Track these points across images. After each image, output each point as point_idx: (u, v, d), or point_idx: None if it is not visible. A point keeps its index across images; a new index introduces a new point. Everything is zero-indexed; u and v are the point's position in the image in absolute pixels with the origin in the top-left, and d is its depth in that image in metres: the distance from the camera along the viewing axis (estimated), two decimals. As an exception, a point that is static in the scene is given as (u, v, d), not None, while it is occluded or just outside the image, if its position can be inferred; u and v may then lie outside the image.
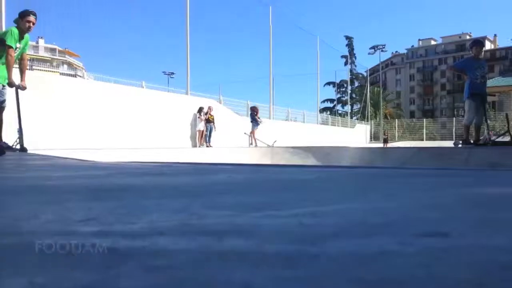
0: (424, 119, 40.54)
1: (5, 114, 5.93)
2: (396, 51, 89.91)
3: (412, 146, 20.69)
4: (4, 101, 5.80)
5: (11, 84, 5.75)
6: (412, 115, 75.19)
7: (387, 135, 30.03)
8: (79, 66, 47.30)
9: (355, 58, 60.89)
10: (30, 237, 0.55)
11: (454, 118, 37.14)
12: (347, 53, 56.02)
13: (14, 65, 5.80)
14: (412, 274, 0.39)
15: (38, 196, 1.02)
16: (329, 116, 35.41)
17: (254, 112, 15.42)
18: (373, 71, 61.88)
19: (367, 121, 37.61)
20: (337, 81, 48.72)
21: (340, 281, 0.37)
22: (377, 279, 0.37)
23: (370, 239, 0.53)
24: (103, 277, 0.38)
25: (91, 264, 0.43)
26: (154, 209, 0.80)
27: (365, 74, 49.57)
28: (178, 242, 0.52)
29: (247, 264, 0.42)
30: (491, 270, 0.40)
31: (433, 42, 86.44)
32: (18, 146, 6.05)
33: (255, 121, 15.28)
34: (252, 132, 15.13)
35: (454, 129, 34.16)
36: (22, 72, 5.99)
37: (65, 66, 49.57)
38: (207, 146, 13.91)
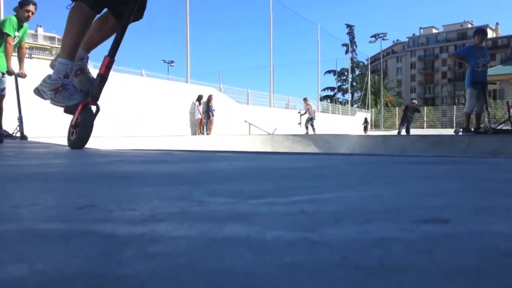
0: (425, 107, 40.48)
1: (5, 102, 5.92)
2: (397, 40, 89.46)
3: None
4: (4, 89, 5.79)
5: (10, 72, 5.73)
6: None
7: (367, 122, 29.91)
8: (78, 54, 46.88)
9: (356, 46, 60.72)
10: (30, 224, 0.55)
11: (454, 106, 37.12)
12: (348, 42, 55.68)
13: (13, 54, 5.78)
14: (413, 260, 0.39)
15: (38, 183, 1.02)
16: (330, 104, 35.34)
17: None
18: (374, 59, 61.64)
19: (368, 109, 37.53)
20: (338, 69, 48.60)
21: (340, 267, 0.37)
22: (377, 266, 0.37)
23: (370, 225, 0.53)
24: (104, 264, 0.38)
25: (91, 250, 0.43)
26: (154, 196, 0.80)
27: (366, 62, 49.43)
28: (179, 229, 0.52)
29: (247, 250, 0.42)
30: (491, 257, 0.40)
31: (434, 31, 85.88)
32: (18, 134, 6.06)
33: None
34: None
35: (454, 117, 34.15)
36: (20, 61, 5.98)
37: (65, 54, 49.24)
38: (207, 134, 13.91)
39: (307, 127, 18.68)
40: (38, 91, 2.66)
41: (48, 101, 2.63)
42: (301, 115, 19.25)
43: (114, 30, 2.74)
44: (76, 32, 2.57)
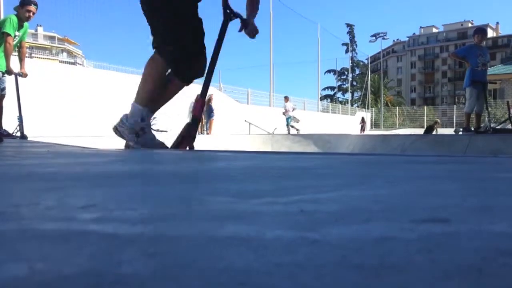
0: (425, 107, 40.45)
1: (5, 101, 5.92)
2: (398, 39, 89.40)
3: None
4: (4, 88, 5.78)
5: (9, 72, 5.72)
6: (413, 102, 75.07)
7: (364, 122, 28.80)
8: (78, 54, 47.04)
9: (356, 46, 60.71)
10: (30, 223, 0.55)
11: (454, 106, 37.09)
12: (348, 41, 55.70)
13: (13, 53, 5.77)
14: (413, 259, 0.39)
15: (38, 183, 1.02)
16: (330, 103, 35.34)
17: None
18: (374, 58, 61.64)
19: (368, 108, 37.50)
20: (338, 69, 48.62)
21: (340, 267, 0.37)
22: (377, 265, 0.37)
23: (370, 225, 0.53)
24: (104, 263, 0.38)
25: (91, 250, 0.43)
26: (155, 195, 0.80)
27: (366, 61, 49.43)
28: (179, 228, 0.52)
29: (247, 249, 0.42)
30: (491, 256, 0.40)
31: (434, 30, 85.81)
32: (18, 134, 6.05)
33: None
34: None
35: (454, 117, 34.12)
36: (21, 60, 5.97)
37: (65, 54, 49.40)
38: (207, 134, 13.91)
39: (295, 128, 17.88)
40: (117, 130, 2.85)
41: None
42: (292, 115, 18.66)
43: (179, 88, 2.99)
44: (152, 85, 2.82)
